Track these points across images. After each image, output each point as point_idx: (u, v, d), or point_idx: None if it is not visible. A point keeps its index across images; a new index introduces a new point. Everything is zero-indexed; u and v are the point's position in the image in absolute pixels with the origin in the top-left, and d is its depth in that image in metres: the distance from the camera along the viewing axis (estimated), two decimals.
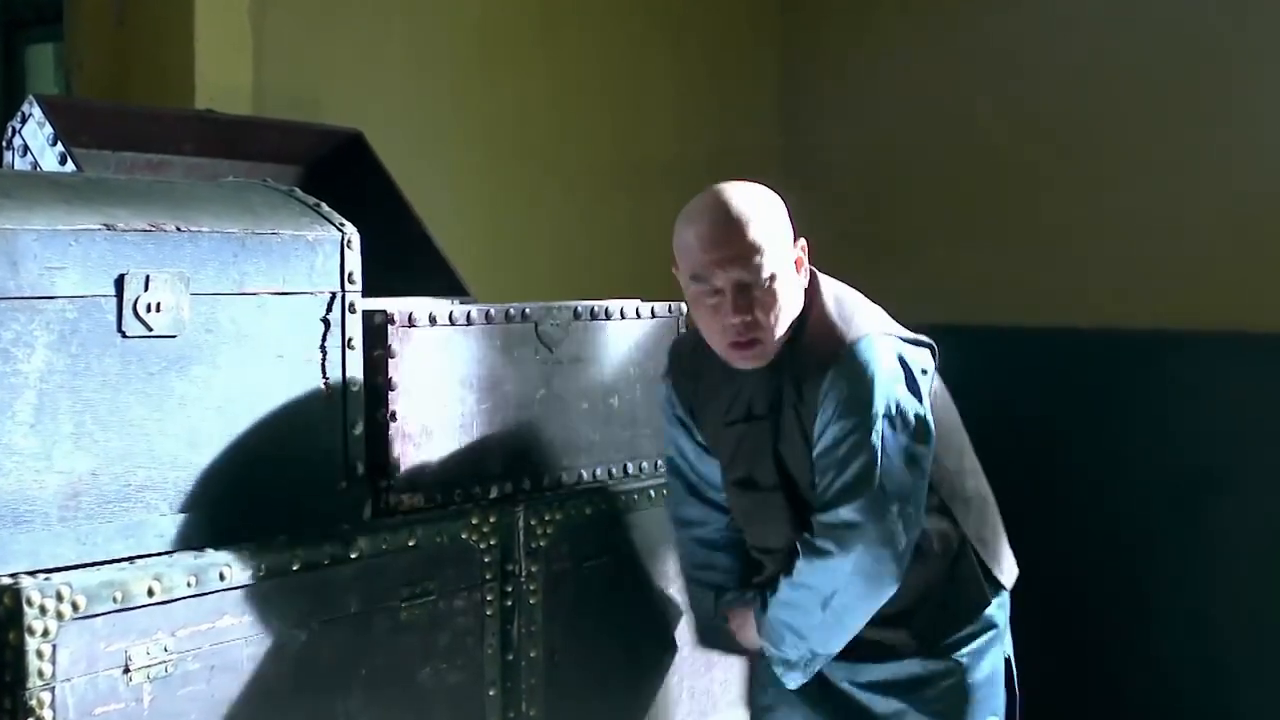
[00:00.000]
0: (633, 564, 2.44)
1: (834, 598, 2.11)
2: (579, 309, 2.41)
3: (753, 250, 2.07)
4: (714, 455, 2.31)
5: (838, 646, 2.17)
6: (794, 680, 2.21)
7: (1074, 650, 3.97)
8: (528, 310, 2.32)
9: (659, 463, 2.53)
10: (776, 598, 2.17)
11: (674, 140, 4.28)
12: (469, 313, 2.23)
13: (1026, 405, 3.98)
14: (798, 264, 2.16)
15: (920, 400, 2.12)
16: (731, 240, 2.07)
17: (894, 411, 2.08)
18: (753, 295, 2.08)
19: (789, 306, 2.13)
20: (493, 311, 2.26)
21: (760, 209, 2.11)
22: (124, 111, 2.81)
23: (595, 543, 2.37)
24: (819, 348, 2.11)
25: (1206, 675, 3.92)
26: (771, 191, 2.17)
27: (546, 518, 2.29)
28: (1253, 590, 3.84)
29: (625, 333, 2.49)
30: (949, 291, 4.07)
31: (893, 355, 2.12)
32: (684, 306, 2.58)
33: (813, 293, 2.18)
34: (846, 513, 2.07)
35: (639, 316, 2.52)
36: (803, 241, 2.18)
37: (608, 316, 2.46)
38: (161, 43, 3.19)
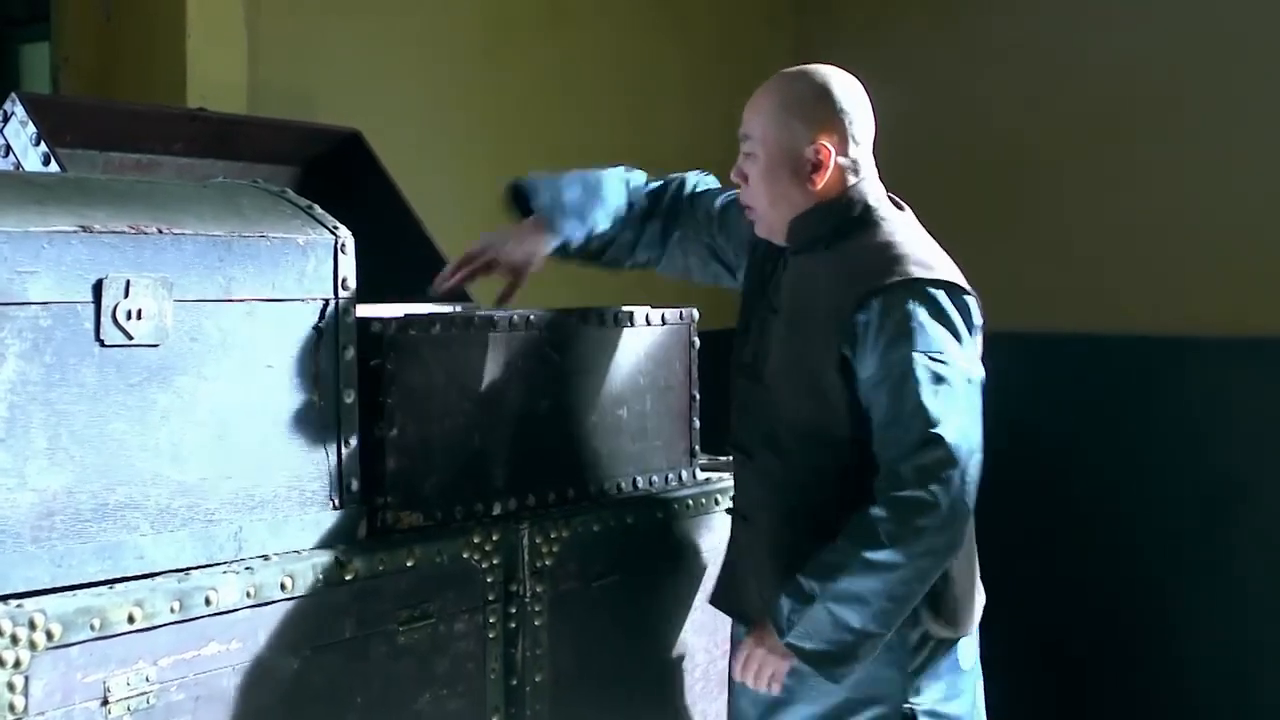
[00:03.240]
0: (643, 583, 2.38)
1: (901, 569, 1.99)
2: (586, 315, 2.35)
3: (748, 125, 2.22)
4: (734, 279, 2.42)
5: (893, 626, 2.05)
6: (844, 675, 2.07)
7: (1096, 659, 3.93)
8: (533, 317, 2.26)
9: (669, 476, 2.49)
10: (835, 587, 2.02)
11: (686, 134, 4.22)
12: (471, 319, 2.18)
13: (1047, 413, 3.96)
14: (818, 163, 2.16)
15: (969, 355, 2.11)
16: (747, 108, 2.25)
17: (946, 354, 2.05)
18: (744, 167, 2.23)
19: (775, 193, 2.19)
20: (496, 318, 2.21)
21: (779, 93, 2.21)
22: (111, 109, 2.76)
23: (604, 561, 2.31)
24: (872, 268, 2.10)
25: (1231, 684, 3.89)
26: (832, 85, 2.19)
27: (552, 535, 2.23)
28: (1279, 598, 3.78)
29: (635, 341, 2.43)
30: None
31: (950, 302, 2.09)
32: (695, 313, 2.51)
33: (876, 218, 2.18)
34: (938, 451, 1.99)
35: (649, 323, 2.46)
36: (823, 147, 2.16)
37: (616, 323, 2.40)
38: (152, 38, 3.17)
